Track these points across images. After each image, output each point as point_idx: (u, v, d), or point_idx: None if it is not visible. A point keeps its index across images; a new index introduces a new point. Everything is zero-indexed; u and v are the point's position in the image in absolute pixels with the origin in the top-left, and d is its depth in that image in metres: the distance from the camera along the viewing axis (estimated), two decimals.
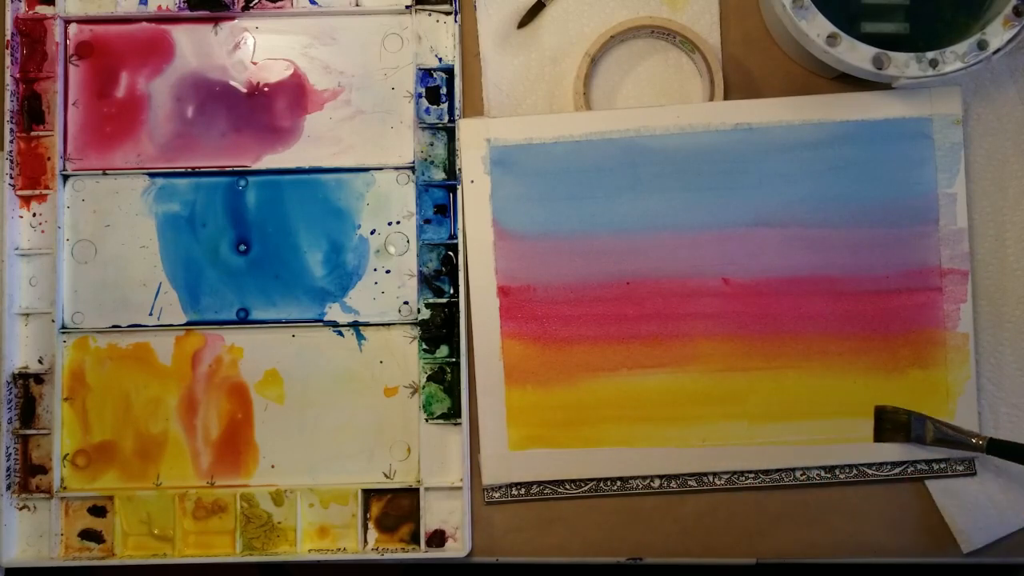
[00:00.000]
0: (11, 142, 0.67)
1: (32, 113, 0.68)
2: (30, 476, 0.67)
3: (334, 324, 0.67)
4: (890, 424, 0.64)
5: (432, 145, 0.67)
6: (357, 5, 0.68)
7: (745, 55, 0.68)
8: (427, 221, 0.67)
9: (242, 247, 0.67)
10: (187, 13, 0.68)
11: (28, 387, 0.67)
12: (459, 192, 0.67)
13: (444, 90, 0.67)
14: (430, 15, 0.68)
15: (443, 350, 0.67)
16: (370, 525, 0.67)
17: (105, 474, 0.67)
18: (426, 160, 0.67)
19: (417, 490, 0.66)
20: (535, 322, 0.66)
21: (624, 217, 0.66)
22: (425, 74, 0.67)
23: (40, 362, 0.67)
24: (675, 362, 0.66)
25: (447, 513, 0.66)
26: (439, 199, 0.67)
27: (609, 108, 0.67)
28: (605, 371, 0.66)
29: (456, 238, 0.67)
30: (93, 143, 0.68)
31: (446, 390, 0.67)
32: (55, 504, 0.66)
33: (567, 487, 0.66)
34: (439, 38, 0.68)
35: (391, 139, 0.68)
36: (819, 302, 0.66)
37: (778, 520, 0.66)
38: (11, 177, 0.67)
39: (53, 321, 0.67)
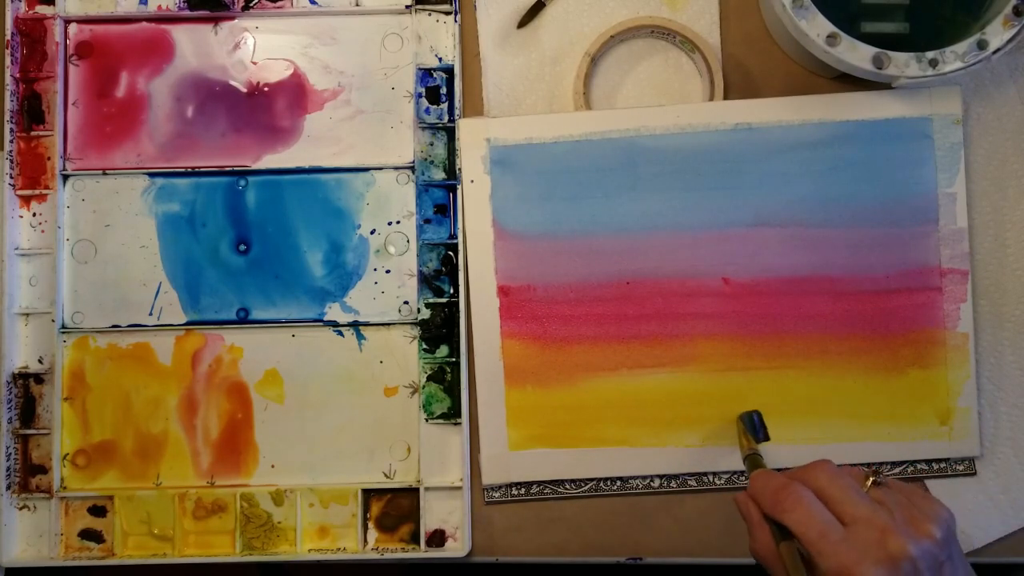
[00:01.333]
0: (11, 142, 0.67)
1: (32, 113, 0.68)
2: (30, 476, 0.67)
3: (334, 324, 0.67)
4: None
5: (432, 145, 0.67)
6: (357, 5, 0.68)
7: (745, 55, 0.68)
8: (427, 221, 0.67)
9: (242, 247, 0.67)
10: (187, 13, 0.68)
11: (28, 387, 0.67)
12: (459, 192, 0.67)
13: (444, 90, 0.67)
14: (430, 15, 0.68)
15: (443, 350, 0.67)
16: (370, 525, 0.67)
17: (105, 474, 0.67)
18: (426, 160, 0.67)
19: (417, 490, 0.66)
20: (535, 322, 0.66)
21: (624, 217, 0.66)
22: (425, 74, 0.67)
23: (40, 362, 0.67)
24: (675, 362, 0.66)
25: (447, 513, 0.66)
26: (439, 199, 0.67)
27: (609, 108, 0.67)
28: (605, 371, 0.66)
29: (456, 238, 0.67)
30: (93, 143, 0.68)
31: (446, 390, 0.67)
32: (55, 504, 0.66)
33: (567, 487, 0.66)
34: (439, 38, 0.68)
35: (391, 139, 0.68)
36: (819, 302, 0.66)
37: None
38: (11, 177, 0.67)
39: (53, 321, 0.67)
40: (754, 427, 0.62)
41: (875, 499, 0.51)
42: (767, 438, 0.62)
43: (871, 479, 0.52)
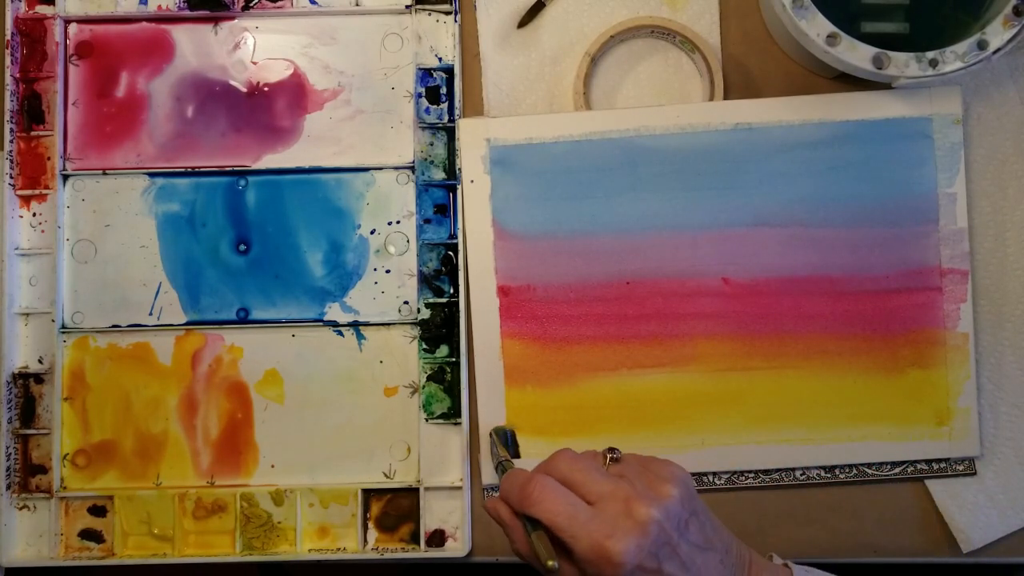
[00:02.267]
0: (11, 142, 0.67)
1: (32, 113, 0.68)
2: (30, 476, 0.67)
3: (334, 324, 0.67)
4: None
5: (432, 145, 0.67)
6: (357, 5, 0.68)
7: (745, 55, 0.68)
8: (427, 221, 0.67)
9: (242, 247, 0.68)
10: (187, 13, 0.68)
11: (28, 387, 0.67)
12: (459, 192, 0.67)
13: (444, 90, 0.67)
14: (430, 15, 0.68)
15: (443, 350, 0.67)
16: (370, 525, 0.67)
17: (105, 474, 0.67)
18: (426, 160, 0.67)
19: (417, 490, 0.66)
20: (535, 322, 0.66)
21: (624, 217, 0.66)
22: (425, 74, 0.67)
23: (40, 362, 0.67)
24: (675, 362, 0.66)
25: (447, 513, 0.66)
26: (439, 199, 0.67)
27: (609, 108, 0.67)
28: (605, 371, 0.66)
29: (456, 238, 0.67)
30: (93, 143, 0.68)
31: (446, 390, 0.67)
32: (55, 504, 0.66)
33: None
34: (439, 38, 0.68)
35: (391, 139, 0.68)
36: (819, 302, 0.66)
37: (778, 520, 0.66)
38: (11, 177, 0.67)
39: (53, 321, 0.67)
40: (507, 442, 0.63)
41: (615, 474, 0.51)
42: (518, 456, 0.63)
43: (609, 456, 0.53)
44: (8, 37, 0.67)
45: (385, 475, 0.67)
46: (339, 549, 0.66)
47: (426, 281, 0.67)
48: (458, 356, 0.66)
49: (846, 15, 0.62)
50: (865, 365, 0.65)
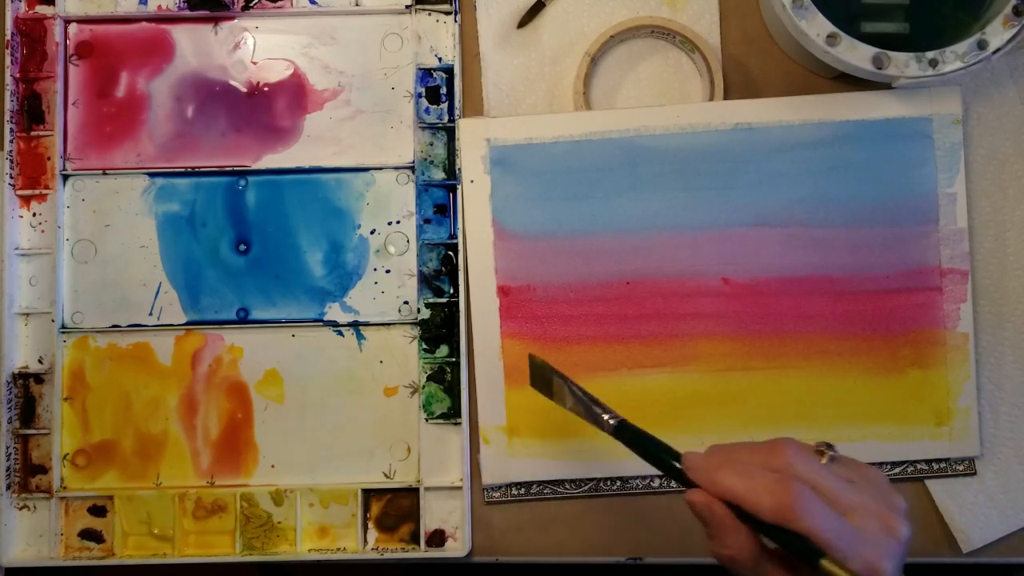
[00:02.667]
0: (11, 142, 0.67)
1: (32, 113, 0.68)
2: (30, 476, 0.67)
3: (334, 324, 0.67)
4: (538, 375, 0.60)
5: (432, 145, 0.67)
6: (357, 5, 0.68)
7: (745, 55, 0.68)
8: (427, 221, 0.67)
9: (242, 247, 0.68)
10: (187, 13, 0.68)
11: (28, 387, 0.67)
12: (459, 192, 0.67)
13: (444, 90, 0.67)
14: (430, 15, 0.68)
15: (443, 350, 0.67)
16: (370, 525, 0.67)
17: (105, 474, 0.67)
18: (426, 160, 0.67)
19: (417, 490, 0.66)
20: (535, 322, 0.66)
21: (624, 217, 0.66)
22: (425, 74, 0.67)
23: (40, 362, 0.67)
24: (675, 362, 0.66)
25: (447, 513, 0.66)
26: (439, 199, 0.67)
27: (609, 108, 0.67)
28: (605, 371, 0.66)
29: (456, 238, 0.67)
30: (93, 143, 0.68)
31: (446, 390, 0.67)
32: (55, 504, 0.66)
33: (567, 487, 0.66)
34: (439, 38, 0.68)
35: (391, 139, 0.68)
36: (819, 302, 0.66)
37: None
38: (11, 177, 0.67)
39: (53, 321, 0.67)
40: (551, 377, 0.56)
41: (844, 478, 0.48)
42: (550, 388, 0.58)
43: (828, 455, 0.49)
44: (8, 37, 0.67)
45: (385, 475, 0.67)
46: (339, 549, 0.66)
47: (426, 281, 0.67)
48: (458, 356, 0.66)
49: (846, 15, 0.62)
50: (865, 365, 0.65)
